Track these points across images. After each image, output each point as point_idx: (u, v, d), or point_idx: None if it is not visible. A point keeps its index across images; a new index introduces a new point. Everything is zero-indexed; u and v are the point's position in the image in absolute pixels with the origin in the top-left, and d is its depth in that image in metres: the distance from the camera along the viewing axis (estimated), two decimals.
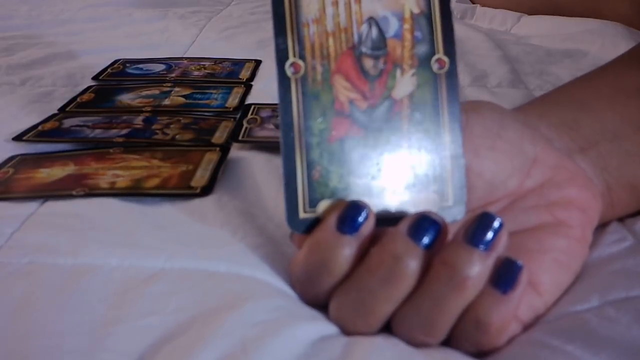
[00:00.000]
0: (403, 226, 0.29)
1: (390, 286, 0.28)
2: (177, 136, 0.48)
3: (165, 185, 0.40)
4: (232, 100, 0.56)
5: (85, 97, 0.57)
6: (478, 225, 0.28)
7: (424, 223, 0.29)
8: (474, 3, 0.95)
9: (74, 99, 0.56)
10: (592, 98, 0.40)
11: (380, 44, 0.31)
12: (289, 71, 0.31)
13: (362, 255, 0.30)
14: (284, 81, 0.31)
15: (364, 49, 0.31)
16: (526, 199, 0.34)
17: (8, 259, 0.33)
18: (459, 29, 0.79)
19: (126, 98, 0.56)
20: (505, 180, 0.33)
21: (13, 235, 0.36)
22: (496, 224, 0.28)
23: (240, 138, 0.47)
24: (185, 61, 0.67)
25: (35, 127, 0.50)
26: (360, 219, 0.29)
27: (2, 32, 0.79)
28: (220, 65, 0.66)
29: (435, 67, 0.31)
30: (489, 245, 0.28)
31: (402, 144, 0.31)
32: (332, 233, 0.29)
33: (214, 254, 0.34)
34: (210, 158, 0.44)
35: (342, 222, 0.29)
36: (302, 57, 0.31)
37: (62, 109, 0.54)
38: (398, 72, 0.31)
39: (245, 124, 0.50)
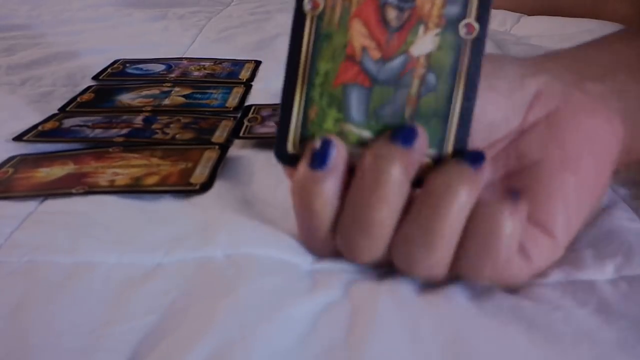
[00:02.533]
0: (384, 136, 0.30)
1: (382, 187, 0.29)
2: (177, 135, 0.48)
3: (165, 182, 0.41)
4: (232, 100, 0.56)
5: (85, 97, 0.57)
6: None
7: (404, 129, 0.30)
8: None
9: (74, 99, 0.56)
10: (606, 40, 0.38)
11: None
12: (307, 6, 0.29)
13: (342, 186, 0.30)
14: (299, 16, 0.29)
15: None
16: (531, 133, 0.32)
17: (7, 258, 0.33)
18: None
19: (126, 98, 0.56)
20: (507, 119, 0.32)
21: (12, 234, 0.36)
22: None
23: (241, 135, 0.48)
24: (185, 61, 0.67)
25: (35, 127, 0.50)
26: (330, 152, 0.29)
27: (2, 32, 0.79)
28: (220, 65, 0.66)
29: (462, 31, 0.30)
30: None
31: (408, 104, 0.30)
32: (306, 173, 0.30)
33: (211, 241, 0.34)
34: (210, 156, 0.44)
35: (313, 159, 0.30)
36: None
37: (62, 109, 0.54)
38: (421, 28, 0.29)
39: (246, 122, 0.50)
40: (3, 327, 0.29)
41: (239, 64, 0.66)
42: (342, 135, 0.30)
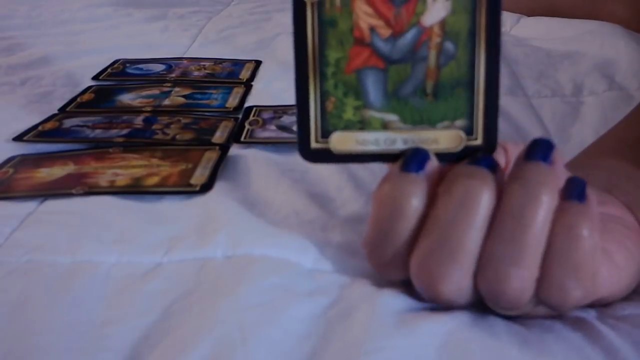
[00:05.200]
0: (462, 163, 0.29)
1: (470, 209, 0.27)
2: (177, 136, 0.48)
3: (165, 183, 0.41)
4: (232, 100, 0.56)
5: (85, 97, 0.57)
6: (535, 144, 0.28)
7: (482, 157, 0.29)
8: None
9: (74, 99, 0.56)
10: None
11: None
12: None
13: (430, 199, 0.28)
14: (299, 6, 0.28)
15: None
16: None
17: (7, 258, 0.34)
18: None
19: (126, 98, 0.56)
20: None
21: (12, 234, 0.36)
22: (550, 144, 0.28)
23: (242, 139, 0.47)
24: (185, 61, 0.67)
25: (35, 127, 0.50)
26: (424, 158, 0.29)
27: (2, 32, 0.79)
28: (220, 65, 0.66)
29: None
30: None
31: (428, 78, 0.28)
32: (398, 177, 0.28)
33: (210, 241, 0.34)
34: (210, 157, 0.44)
35: (409, 163, 0.29)
36: None
37: (62, 109, 0.54)
38: None
39: (247, 126, 0.50)
40: (3, 327, 0.29)
41: (239, 64, 0.66)
42: (364, 123, 0.29)
